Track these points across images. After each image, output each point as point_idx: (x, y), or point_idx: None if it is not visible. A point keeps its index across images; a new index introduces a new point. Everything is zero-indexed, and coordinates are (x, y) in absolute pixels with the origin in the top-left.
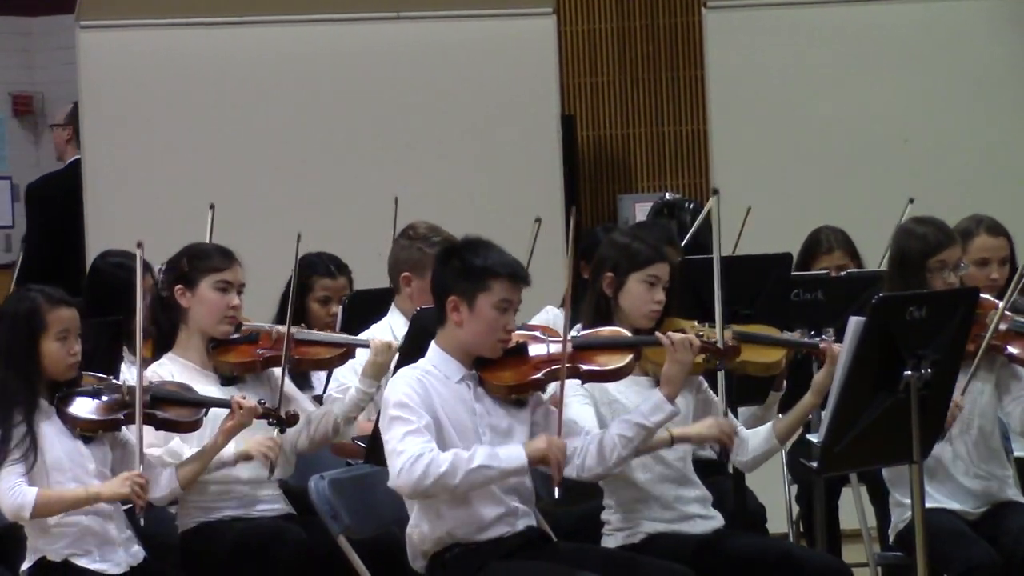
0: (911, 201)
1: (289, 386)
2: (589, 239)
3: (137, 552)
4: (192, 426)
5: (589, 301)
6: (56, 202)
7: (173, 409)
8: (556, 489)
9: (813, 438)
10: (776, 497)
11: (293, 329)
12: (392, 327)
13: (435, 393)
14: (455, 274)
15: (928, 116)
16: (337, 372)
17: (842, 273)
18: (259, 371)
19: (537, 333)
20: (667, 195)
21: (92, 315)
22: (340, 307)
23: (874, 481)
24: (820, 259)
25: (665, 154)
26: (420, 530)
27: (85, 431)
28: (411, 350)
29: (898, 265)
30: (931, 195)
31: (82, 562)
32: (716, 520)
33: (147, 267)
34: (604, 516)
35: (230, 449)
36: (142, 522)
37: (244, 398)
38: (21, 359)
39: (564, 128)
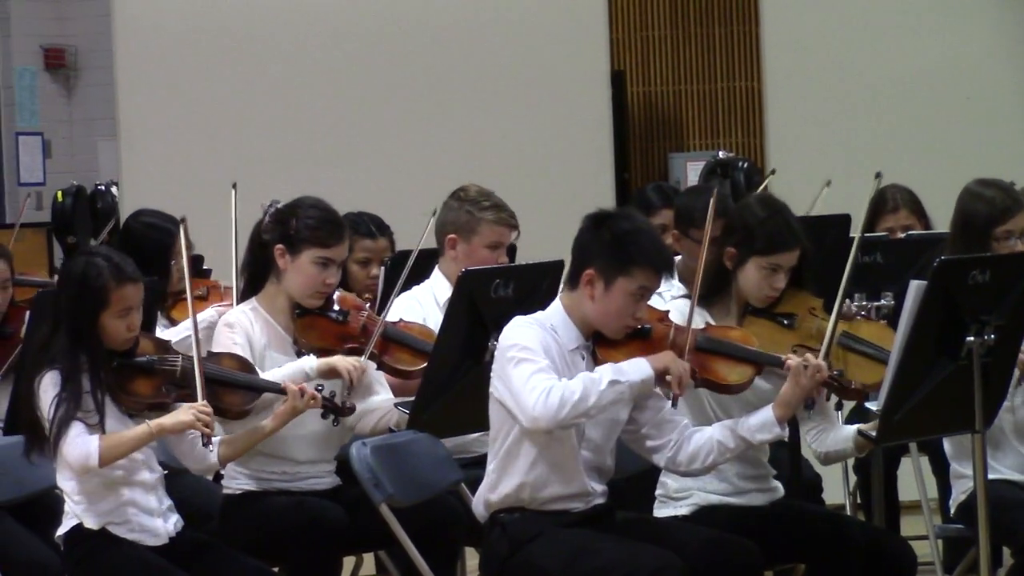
0: (828, 184)
1: (371, 372)
2: (639, 200)
3: (177, 522)
4: (240, 415)
5: (707, 267)
6: None
7: (225, 395)
8: (675, 401)
9: (872, 406)
10: (833, 467)
11: (388, 320)
12: (434, 291)
13: (555, 354)
14: (602, 247)
15: (992, 73)
16: None
17: (902, 235)
18: None
19: (665, 313)
20: (720, 154)
21: None
22: (382, 269)
23: (935, 451)
24: (885, 218)
25: (718, 111)
26: (496, 476)
27: (131, 409)
28: (456, 313)
29: (961, 229)
30: (993, 154)
31: (119, 531)
32: (775, 492)
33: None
34: (660, 482)
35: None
36: (211, 448)
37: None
38: (84, 331)
39: (614, 84)
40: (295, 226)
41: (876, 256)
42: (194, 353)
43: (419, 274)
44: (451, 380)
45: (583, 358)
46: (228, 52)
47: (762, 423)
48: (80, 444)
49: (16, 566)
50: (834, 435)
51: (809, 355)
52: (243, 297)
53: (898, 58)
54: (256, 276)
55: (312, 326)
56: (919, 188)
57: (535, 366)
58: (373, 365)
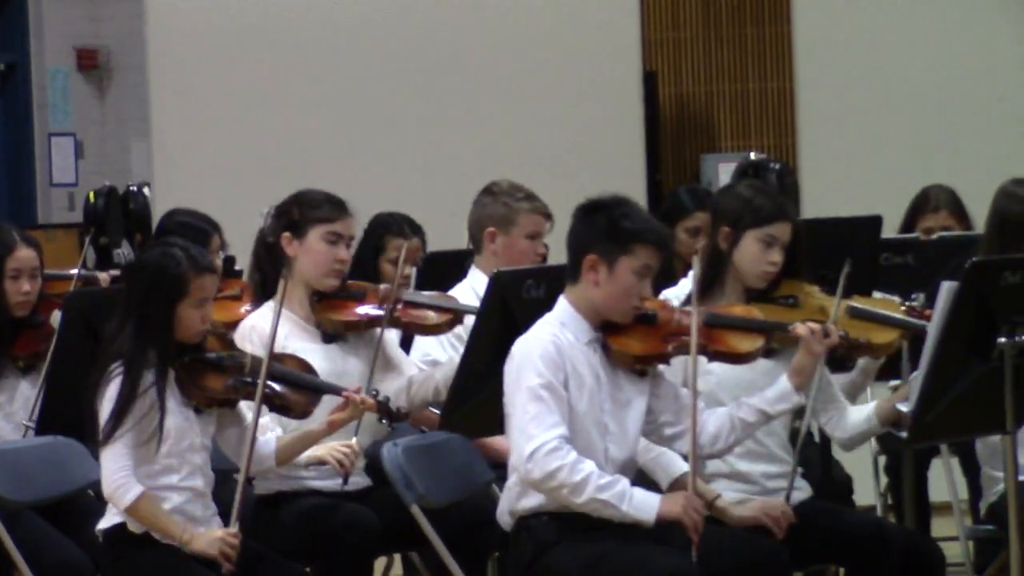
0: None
1: (394, 349)
2: (672, 202)
3: (218, 526)
4: (303, 414)
5: (702, 254)
6: None
7: (290, 394)
8: (693, 553)
9: (903, 407)
10: (863, 468)
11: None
12: (475, 289)
13: (567, 357)
14: (599, 232)
15: None
16: (420, 341)
17: (933, 236)
18: (363, 331)
19: (666, 300)
20: (752, 155)
21: None
22: (414, 269)
23: (966, 452)
24: (926, 217)
25: (750, 112)
26: (519, 489)
27: (200, 403)
28: (488, 314)
29: (996, 229)
30: None
31: (160, 536)
32: (802, 491)
33: (216, 228)
34: None
35: (305, 452)
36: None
37: (359, 391)
38: (158, 325)
39: (646, 85)
40: (298, 211)
41: (908, 258)
42: (264, 359)
43: (453, 277)
44: (483, 381)
45: (596, 351)
46: (260, 53)
47: (780, 393)
48: (121, 484)
49: (48, 567)
50: (852, 419)
51: (813, 323)
52: (255, 302)
53: (930, 59)
54: (265, 281)
55: (332, 306)
56: (953, 188)
57: (541, 401)
58: (395, 340)
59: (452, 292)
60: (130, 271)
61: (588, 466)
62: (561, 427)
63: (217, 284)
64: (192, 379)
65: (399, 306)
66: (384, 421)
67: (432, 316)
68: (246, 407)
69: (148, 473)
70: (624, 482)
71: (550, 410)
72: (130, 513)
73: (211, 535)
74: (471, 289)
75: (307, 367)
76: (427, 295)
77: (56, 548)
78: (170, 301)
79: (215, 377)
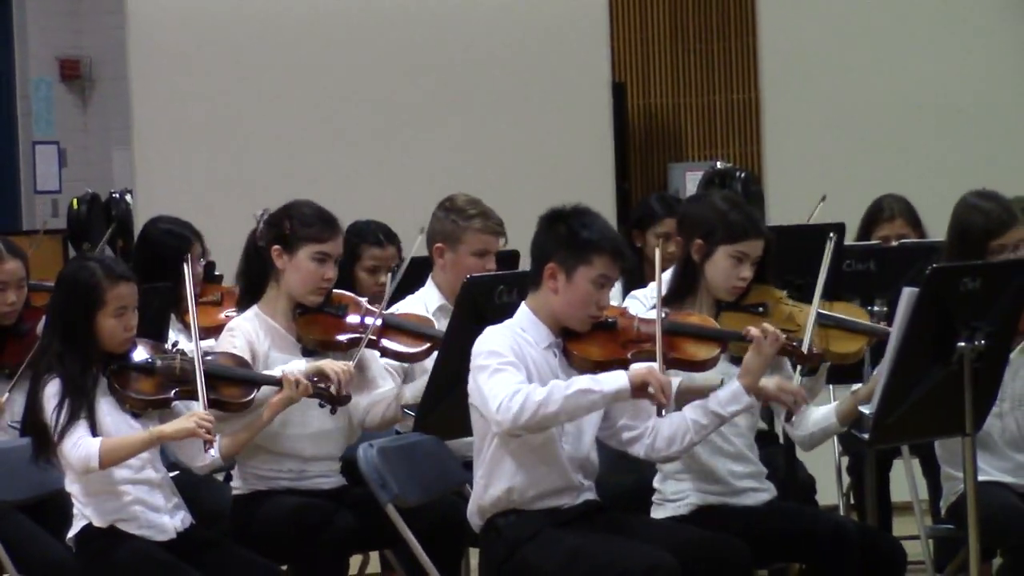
0: (823, 199)
1: (374, 365)
2: (643, 209)
3: (184, 518)
4: (241, 407)
5: (676, 264)
6: None
7: (225, 388)
8: (663, 411)
9: (865, 409)
10: (826, 468)
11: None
12: (425, 301)
13: (528, 355)
14: (558, 240)
15: (989, 85)
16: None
17: (894, 243)
18: (343, 351)
19: (625, 308)
20: (718, 164)
21: (141, 281)
22: (389, 276)
23: (926, 454)
24: (881, 226)
25: (716, 123)
26: (484, 482)
27: (134, 408)
28: (461, 318)
29: (957, 240)
30: (989, 166)
31: (127, 528)
32: (768, 492)
33: (197, 235)
34: (655, 484)
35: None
36: (213, 452)
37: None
38: (78, 333)
39: (615, 96)
40: (289, 226)
41: (870, 264)
42: (196, 354)
43: (418, 284)
44: (455, 383)
45: (555, 355)
46: (240, 63)
47: (731, 395)
48: (82, 447)
49: (32, 565)
50: (811, 418)
51: (766, 324)
52: (241, 303)
53: (894, 71)
54: (252, 283)
55: (313, 322)
56: (915, 200)
57: (502, 371)
58: (376, 354)
59: (405, 301)
60: (55, 285)
61: (546, 386)
62: (516, 381)
63: (135, 293)
64: (122, 385)
65: (378, 322)
66: (325, 406)
67: (408, 343)
68: (183, 407)
69: (103, 472)
70: (584, 376)
71: (512, 375)
72: (107, 463)
73: (181, 417)
74: (422, 300)
75: (241, 362)
76: (410, 321)
77: (41, 547)
78: (87, 312)
79: (145, 380)
